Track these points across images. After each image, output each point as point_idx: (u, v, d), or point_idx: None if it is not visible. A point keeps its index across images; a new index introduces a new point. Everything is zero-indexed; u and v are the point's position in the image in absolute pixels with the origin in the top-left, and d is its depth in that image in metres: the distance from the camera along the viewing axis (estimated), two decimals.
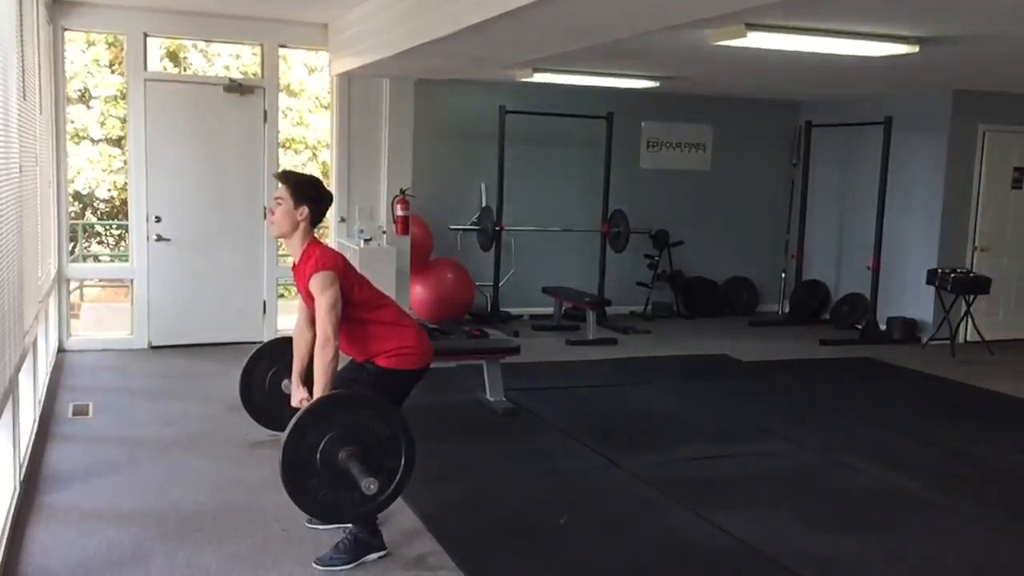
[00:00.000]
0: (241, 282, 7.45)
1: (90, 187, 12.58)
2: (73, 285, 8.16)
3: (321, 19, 7.23)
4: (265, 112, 7.41)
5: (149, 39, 7.19)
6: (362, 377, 3.51)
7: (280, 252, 7.81)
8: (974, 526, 4.15)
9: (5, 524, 3.57)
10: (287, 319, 7.17)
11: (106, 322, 8.72)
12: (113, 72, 12.41)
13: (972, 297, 8.33)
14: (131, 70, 7.08)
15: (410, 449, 3.26)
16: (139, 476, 4.38)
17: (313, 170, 14.01)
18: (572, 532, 3.88)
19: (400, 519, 3.90)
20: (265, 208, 7.47)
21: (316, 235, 3.56)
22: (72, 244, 9.02)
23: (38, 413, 5.19)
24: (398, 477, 3.26)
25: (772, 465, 4.90)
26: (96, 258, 12.71)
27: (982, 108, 8.59)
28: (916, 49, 5.76)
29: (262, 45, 7.41)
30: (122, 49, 8.30)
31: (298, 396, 3.66)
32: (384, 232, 7.62)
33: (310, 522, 3.80)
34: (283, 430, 3.20)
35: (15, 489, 3.91)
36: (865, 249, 8.92)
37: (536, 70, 7.70)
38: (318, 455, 3.13)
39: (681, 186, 9.88)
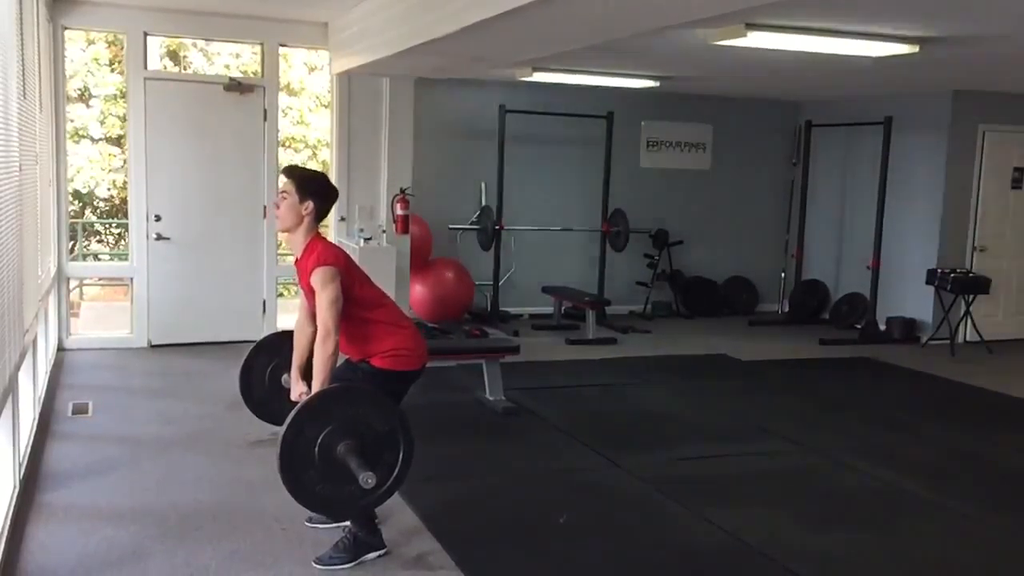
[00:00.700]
0: (241, 281, 7.45)
1: (89, 186, 12.58)
2: (73, 284, 8.16)
3: (321, 18, 7.23)
4: (265, 111, 7.41)
5: (149, 38, 7.19)
6: (356, 377, 3.51)
7: (280, 251, 7.81)
8: (973, 525, 4.15)
9: (5, 522, 3.57)
10: (287, 318, 7.17)
11: (106, 321, 8.72)
12: (113, 71, 12.41)
13: (972, 297, 8.34)
14: (131, 69, 7.08)
15: (408, 444, 3.26)
16: (139, 475, 4.38)
17: (313, 169, 14.00)
18: (571, 531, 3.88)
19: (400, 518, 3.90)
20: (265, 207, 7.48)
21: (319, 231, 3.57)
22: (72, 243, 9.01)
23: (38, 412, 5.19)
24: (396, 471, 3.26)
25: (771, 464, 4.90)
26: (96, 257, 12.71)
27: (982, 108, 8.59)
28: (916, 49, 5.76)
29: (262, 44, 7.41)
30: (122, 48, 8.30)
31: (297, 390, 3.66)
32: (384, 231, 7.62)
33: (310, 521, 3.80)
34: (282, 424, 3.20)
35: (15, 487, 3.91)
36: (865, 249, 8.93)
37: (536, 69, 7.70)
38: (316, 449, 3.12)
39: (681, 186, 9.89)
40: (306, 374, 3.58)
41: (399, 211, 7.41)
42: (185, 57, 12.84)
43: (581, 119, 9.02)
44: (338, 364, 3.44)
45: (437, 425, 5.40)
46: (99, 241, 13.57)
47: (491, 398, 5.79)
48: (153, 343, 7.24)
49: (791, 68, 7.15)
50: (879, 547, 3.83)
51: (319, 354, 3.32)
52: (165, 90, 7.18)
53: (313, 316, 3.48)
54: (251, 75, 10.10)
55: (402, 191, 7.48)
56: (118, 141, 12.29)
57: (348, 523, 3.54)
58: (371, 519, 3.56)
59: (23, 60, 4.34)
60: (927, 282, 8.39)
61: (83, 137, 12.42)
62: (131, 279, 7.27)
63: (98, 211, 13.17)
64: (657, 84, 8.44)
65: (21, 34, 4.28)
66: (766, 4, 3.78)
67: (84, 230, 12.33)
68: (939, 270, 8.33)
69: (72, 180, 11.10)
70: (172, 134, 7.16)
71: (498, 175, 8.61)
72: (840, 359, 7.87)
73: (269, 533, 3.72)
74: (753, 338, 8.74)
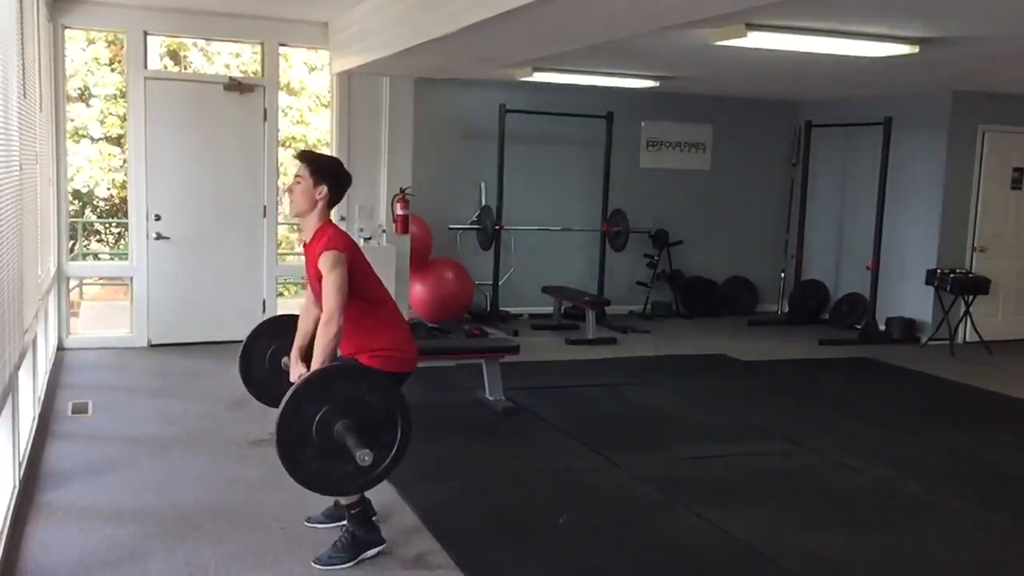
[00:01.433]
0: (241, 280, 7.45)
1: (89, 186, 12.58)
2: (73, 283, 8.16)
3: (321, 18, 7.23)
4: (265, 110, 7.41)
5: (149, 37, 7.19)
6: None
7: (280, 251, 7.81)
8: (973, 525, 4.15)
9: (5, 522, 3.57)
10: None
11: (106, 320, 8.72)
12: (113, 70, 12.41)
13: (971, 297, 8.34)
14: (131, 68, 7.08)
15: (406, 425, 3.23)
16: (138, 474, 4.38)
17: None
18: (571, 531, 3.88)
19: (399, 518, 3.90)
20: (265, 207, 7.48)
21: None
22: (72, 242, 9.01)
23: (38, 411, 5.19)
24: (393, 452, 3.23)
25: (771, 465, 4.90)
26: (96, 256, 12.71)
27: (982, 108, 8.60)
28: (916, 50, 5.76)
29: (262, 44, 7.41)
30: (122, 47, 8.30)
31: (296, 372, 3.63)
32: (384, 231, 7.62)
33: (309, 521, 3.80)
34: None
35: (15, 487, 3.91)
36: (864, 249, 8.93)
37: (536, 69, 7.70)
38: (314, 426, 3.10)
39: (681, 186, 9.89)
40: (306, 357, 3.57)
41: (399, 211, 7.41)
42: (185, 57, 12.84)
43: (581, 119, 9.02)
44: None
45: (437, 425, 5.40)
46: (99, 240, 13.57)
47: (491, 398, 5.79)
48: (153, 343, 7.25)
49: (791, 68, 7.16)
50: (878, 547, 3.83)
51: (321, 336, 3.29)
52: (165, 90, 7.18)
53: (319, 301, 3.46)
54: (251, 75, 10.09)
55: (402, 191, 7.48)
56: (118, 141, 12.29)
57: (345, 522, 3.54)
58: (368, 516, 3.56)
59: (23, 59, 4.34)
60: (927, 282, 8.40)
61: (83, 137, 12.42)
62: (131, 278, 7.27)
63: (98, 210, 13.17)
64: (657, 84, 8.45)
65: (21, 33, 4.28)
66: (766, 4, 3.78)
67: (84, 229, 12.33)
68: (939, 270, 8.33)
69: (72, 180, 11.10)
70: (172, 133, 7.16)
71: (498, 175, 8.61)
72: (840, 359, 7.88)
73: (269, 533, 3.72)
74: (753, 338, 8.74)
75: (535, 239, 9.25)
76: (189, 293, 7.27)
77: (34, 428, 4.89)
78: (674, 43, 6.17)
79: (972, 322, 8.43)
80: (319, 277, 3.37)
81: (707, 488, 4.48)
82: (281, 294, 8.95)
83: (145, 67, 7.13)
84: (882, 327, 8.77)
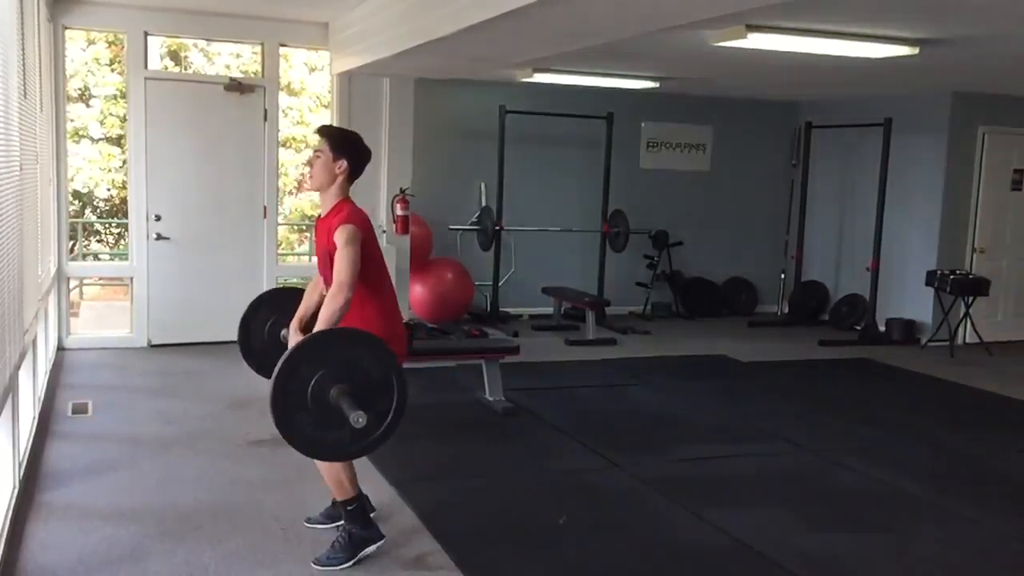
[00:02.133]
0: (241, 281, 7.44)
1: (89, 186, 12.58)
2: (73, 283, 8.16)
3: (322, 18, 7.23)
4: (265, 111, 7.41)
5: (150, 38, 7.19)
6: None
7: (280, 251, 7.81)
8: (973, 527, 4.15)
9: (5, 522, 3.57)
10: None
11: (105, 320, 8.72)
12: (113, 71, 12.41)
13: (971, 298, 8.34)
14: (131, 69, 7.08)
15: (402, 393, 3.19)
16: (138, 474, 4.38)
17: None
18: (571, 532, 3.88)
19: (399, 518, 3.91)
20: (265, 207, 7.48)
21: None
22: (72, 242, 9.01)
23: (38, 411, 5.19)
24: (388, 420, 3.17)
25: (771, 465, 4.90)
26: (96, 256, 12.71)
27: (982, 110, 8.60)
28: (916, 51, 5.77)
29: (263, 44, 7.41)
30: (122, 47, 8.30)
31: (295, 342, 3.60)
32: (384, 231, 7.62)
33: (309, 521, 3.81)
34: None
35: (15, 487, 3.92)
36: (864, 250, 8.93)
37: (536, 70, 7.70)
38: (310, 389, 3.06)
39: (681, 187, 9.89)
40: (306, 328, 3.55)
41: (399, 211, 7.41)
42: (186, 57, 12.84)
43: (581, 120, 9.02)
44: None
45: (437, 425, 5.41)
46: (99, 241, 13.57)
47: (491, 398, 5.79)
48: (153, 343, 7.25)
49: (791, 69, 7.16)
50: (878, 548, 3.84)
51: (327, 307, 3.27)
52: (165, 90, 7.18)
53: (327, 278, 3.43)
54: (251, 75, 10.09)
55: (402, 191, 7.48)
56: (118, 141, 12.29)
57: (342, 522, 3.54)
58: (365, 512, 3.55)
59: (24, 59, 4.34)
60: (927, 283, 8.40)
61: (83, 137, 12.42)
62: (131, 279, 7.28)
63: (98, 211, 13.17)
64: (657, 85, 8.45)
65: (22, 33, 4.28)
66: (767, 6, 3.79)
67: (84, 230, 12.33)
68: (939, 271, 8.33)
69: (72, 180, 11.10)
70: (172, 134, 7.16)
71: (498, 176, 8.61)
72: (839, 360, 7.88)
73: (269, 533, 3.72)
74: (753, 339, 8.74)
75: (535, 240, 9.25)
76: (189, 293, 7.27)
77: (34, 428, 4.89)
78: (674, 44, 6.17)
79: (972, 323, 8.43)
80: (331, 252, 3.34)
81: (707, 489, 4.48)
82: None
83: (145, 67, 7.13)
84: (882, 328, 8.77)
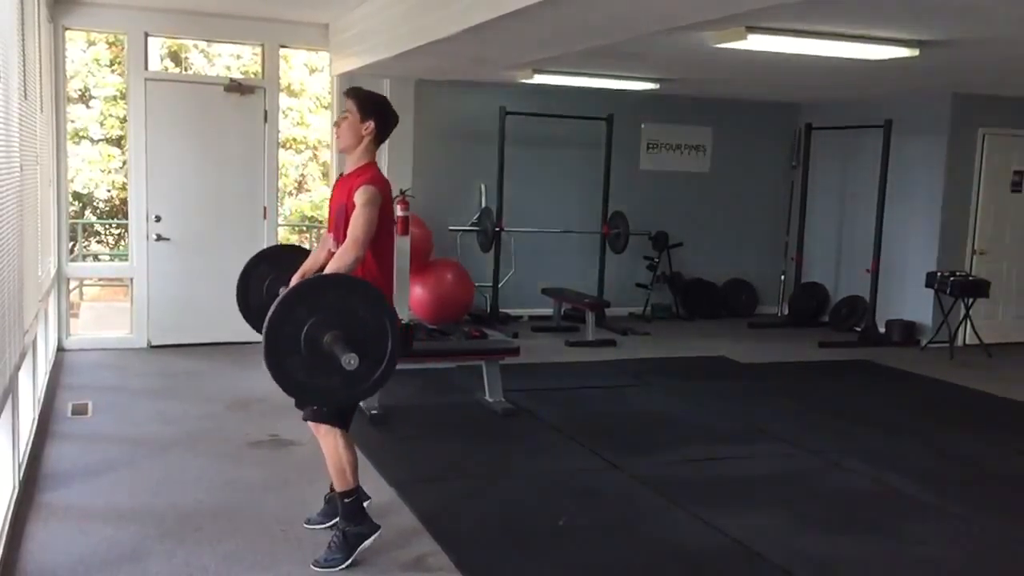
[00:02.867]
0: None
1: (89, 187, 12.58)
2: (73, 284, 8.16)
3: (322, 19, 7.24)
4: (265, 112, 7.42)
5: (150, 39, 7.19)
6: None
7: None
8: (972, 528, 4.15)
9: (4, 522, 3.57)
10: None
11: (105, 321, 8.71)
12: (113, 72, 12.42)
13: (971, 300, 8.34)
14: (132, 69, 7.08)
15: (395, 344, 3.14)
16: (138, 475, 4.38)
17: (314, 170, 14.03)
18: (571, 533, 3.88)
19: (399, 519, 3.90)
20: (265, 208, 7.48)
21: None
22: (72, 243, 9.01)
23: (37, 412, 5.19)
24: (380, 369, 3.13)
25: (771, 467, 4.90)
26: (96, 257, 12.71)
27: (982, 111, 8.60)
28: (916, 52, 5.77)
29: (263, 45, 7.42)
30: (123, 48, 8.31)
31: None
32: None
33: (308, 522, 3.80)
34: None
35: (14, 488, 3.91)
36: (864, 251, 8.93)
37: (536, 71, 7.70)
38: (304, 333, 3.02)
39: (681, 188, 9.89)
40: None
41: (399, 212, 7.38)
42: (186, 58, 12.85)
43: (581, 121, 9.02)
44: None
45: (437, 426, 5.41)
46: (99, 242, 13.57)
47: (490, 399, 5.79)
48: (153, 343, 7.25)
49: (791, 71, 7.16)
50: (878, 550, 3.83)
51: (338, 260, 3.27)
52: (166, 91, 7.18)
53: (338, 235, 3.43)
54: (252, 76, 10.10)
55: (402, 192, 7.47)
56: (118, 142, 12.30)
57: (336, 520, 3.54)
58: (360, 506, 3.54)
59: (24, 60, 4.35)
60: (927, 285, 8.40)
61: (83, 138, 12.42)
62: (131, 279, 7.28)
63: (98, 211, 13.17)
64: (657, 86, 8.46)
65: (22, 34, 4.28)
66: (767, 7, 3.79)
67: (84, 230, 12.33)
68: (939, 273, 8.33)
69: (72, 181, 11.11)
70: (172, 135, 7.17)
71: (498, 177, 8.61)
72: (839, 362, 7.88)
73: (268, 534, 3.72)
74: (752, 340, 8.74)
75: (535, 241, 9.25)
76: (189, 294, 7.27)
77: (34, 429, 4.89)
78: (675, 45, 6.18)
79: (972, 325, 8.43)
80: (348, 209, 3.36)
81: (706, 490, 4.48)
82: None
83: (146, 68, 7.13)
84: (882, 330, 8.77)
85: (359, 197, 3.33)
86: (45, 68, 5.95)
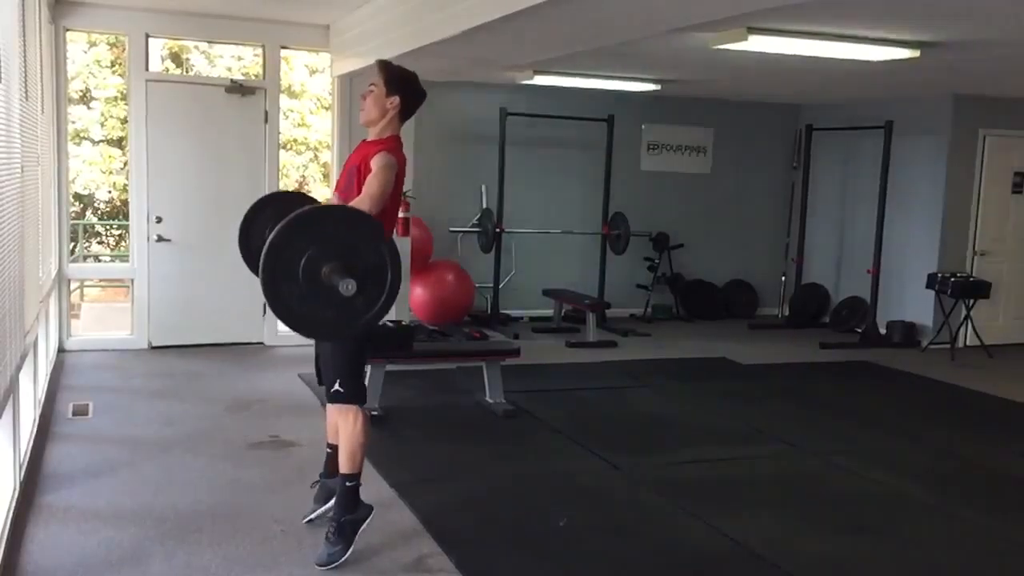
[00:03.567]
0: (241, 283, 7.35)
1: (89, 188, 12.59)
2: (73, 285, 8.16)
3: (323, 20, 7.24)
4: (266, 113, 7.42)
5: (151, 40, 7.19)
6: None
7: None
8: (975, 530, 4.15)
9: (5, 524, 3.57)
10: None
11: (106, 322, 8.71)
12: (114, 72, 12.42)
13: (972, 301, 8.33)
14: (132, 71, 7.08)
15: (394, 281, 3.12)
16: (138, 476, 4.38)
17: (314, 171, 14.03)
18: (571, 534, 3.87)
19: (399, 520, 3.90)
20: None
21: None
22: (72, 244, 9.02)
23: (38, 413, 5.19)
24: (377, 306, 3.11)
25: (772, 468, 4.90)
26: (96, 258, 12.71)
27: (983, 112, 8.60)
28: (917, 54, 5.77)
29: (264, 46, 7.42)
30: (124, 49, 8.31)
31: None
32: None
33: (309, 522, 3.80)
34: None
35: (15, 489, 3.91)
36: (865, 252, 8.93)
37: (537, 72, 7.71)
38: (303, 261, 2.98)
39: (681, 189, 9.89)
40: None
41: (400, 213, 7.40)
42: (187, 59, 12.85)
43: (582, 122, 9.03)
44: None
45: (437, 427, 5.41)
46: (100, 243, 13.58)
47: (491, 400, 5.79)
48: (153, 344, 7.25)
49: (792, 72, 7.16)
50: (879, 551, 3.83)
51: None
52: (166, 92, 7.19)
53: (346, 196, 3.42)
54: (252, 77, 10.11)
55: (403, 194, 7.47)
56: (119, 143, 12.30)
57: (331, 504, 3.54)
58: (357, 493, 3.52)
59: (25, 61, 4.35)
60: (927, 286, 8.39)
61: (84, 139, 12.43)
62: (132, 280, 7.28)
63: (99, 212, 13.18)
64: (658, 87, 8.46)
65: (23, 36, 4.29)
66: (768, 8, 3.79)
67: (85, 231, 12.33)
68: (939, 274, 8.33)
69: (73, 182, 11.11)
70: (173, 136, 7.17)
71: (499, 178, 8.62)
72: (840, 363, 7.87)
73: (269, 535, 3.72)
74: (753, 342, 8.74)
75: (536, 242, 9.25)
76: (190, 295, 7.27)
77: (34, 430, 4.89)
78: (675, 46, 6.18)
79: (973, 326, 8.43)
80: (361, 172, 3.36)
81: (707, 491, 4.48)
82: None
83: (146, 69, 7.13)
84: (883, 331, 8.77)
85: (376, 162, 3.34)
86: (46, 69, 5.96)
